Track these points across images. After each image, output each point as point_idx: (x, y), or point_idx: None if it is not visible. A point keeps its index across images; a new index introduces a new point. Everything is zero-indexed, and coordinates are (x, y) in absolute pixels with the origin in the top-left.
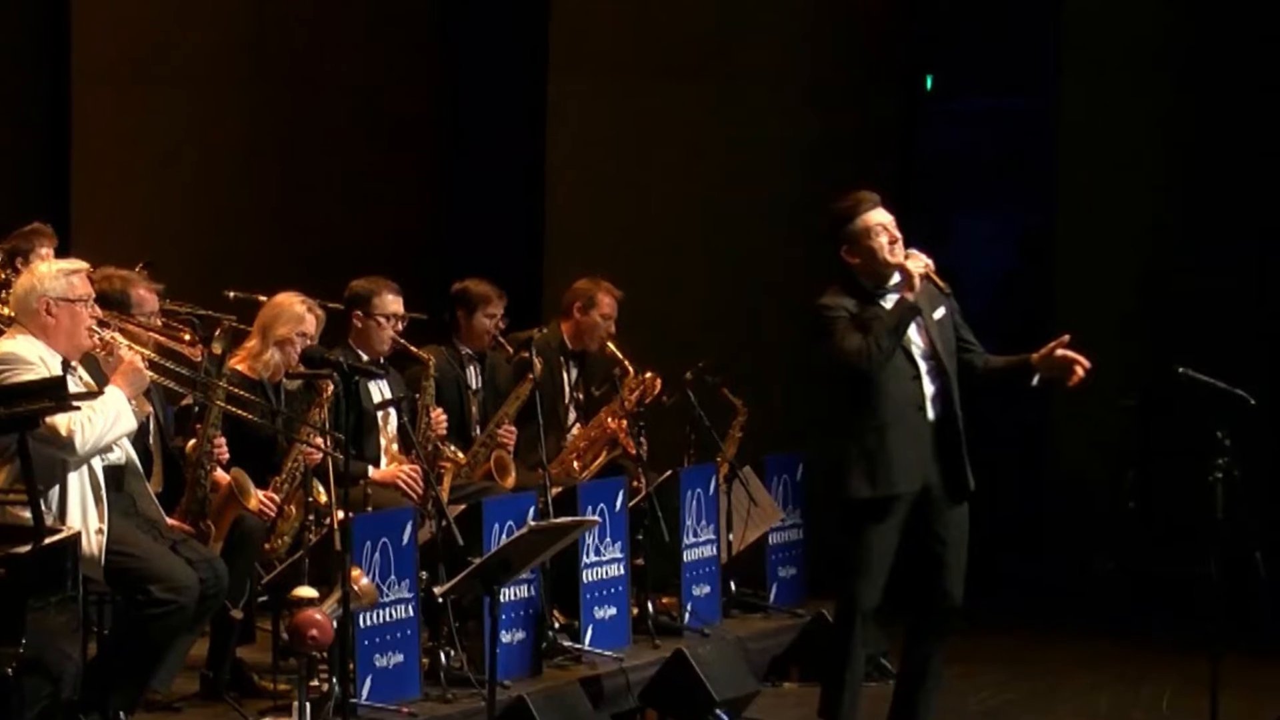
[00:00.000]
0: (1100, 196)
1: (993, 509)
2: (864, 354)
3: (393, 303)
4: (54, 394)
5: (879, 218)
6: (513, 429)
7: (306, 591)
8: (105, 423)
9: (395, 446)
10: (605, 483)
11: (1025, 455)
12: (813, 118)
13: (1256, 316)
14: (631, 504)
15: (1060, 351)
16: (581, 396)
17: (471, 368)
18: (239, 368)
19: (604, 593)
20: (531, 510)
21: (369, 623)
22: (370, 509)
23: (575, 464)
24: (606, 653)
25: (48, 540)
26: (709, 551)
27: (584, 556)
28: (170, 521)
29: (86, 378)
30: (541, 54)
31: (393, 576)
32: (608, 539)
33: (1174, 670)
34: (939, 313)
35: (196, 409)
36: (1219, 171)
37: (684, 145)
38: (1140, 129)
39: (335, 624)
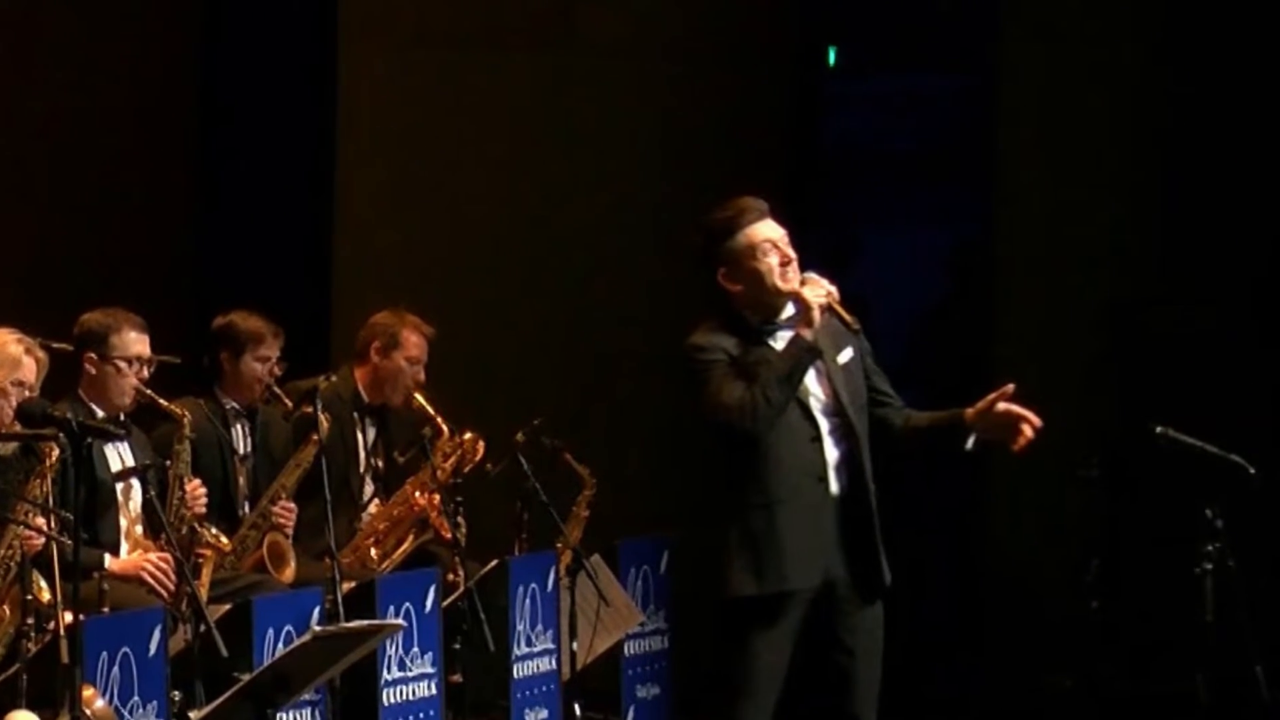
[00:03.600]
0: (1051, 204)
1: (916, 609)
2: (748, 409)
3: (136, 342)
4: None
5: (767, 232)
6: (292, 506)
7: (24, 716)
8: None
9: (139, 528)
10: (412, 575)
11: (958, 540)
12: (681, 101)
13: (1253, 361)
14: (446, 603)
15: (1002, 406)
16: (381, 464)
17: (239, 426)
18: None
19: (411, 718)
20: (316, 611)
21: None
22: (107, 609)
23: (373, 551)
24: None
25: None
26: (546, 664)
27: (384, 671)
28: None
29: None
30: (330, 20)
31: (136, 697)
32: (415, 649)
33: None
34: (845, 355)
35: None
36: (1204, 172)
37: (513, 137)
38: (1102, 116)
39: None
